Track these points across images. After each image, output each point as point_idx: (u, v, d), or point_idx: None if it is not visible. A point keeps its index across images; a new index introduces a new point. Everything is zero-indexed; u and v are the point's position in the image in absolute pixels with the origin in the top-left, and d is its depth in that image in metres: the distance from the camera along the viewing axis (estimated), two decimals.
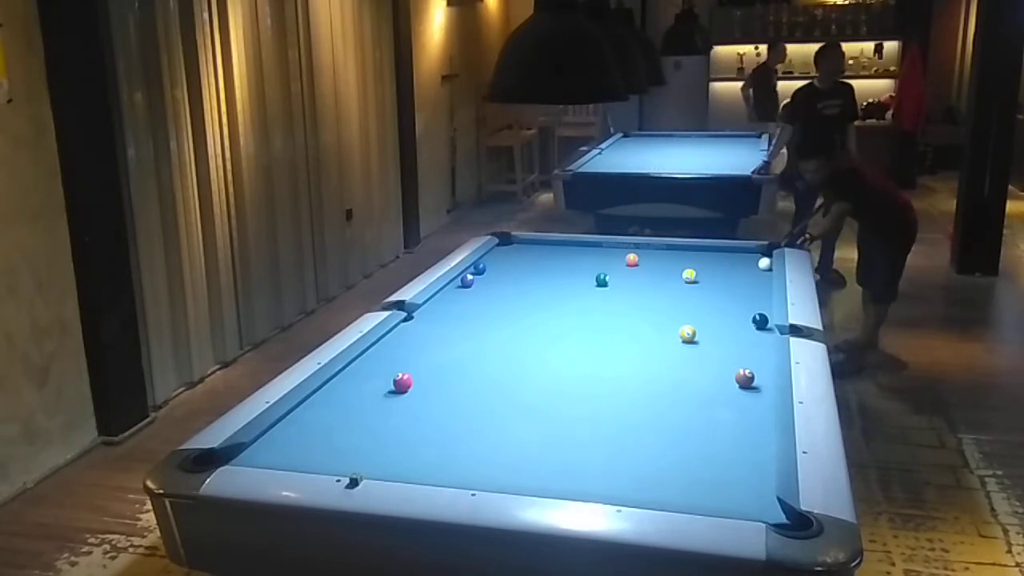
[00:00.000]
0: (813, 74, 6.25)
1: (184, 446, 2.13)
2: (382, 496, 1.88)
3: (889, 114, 9.44)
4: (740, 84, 8.96)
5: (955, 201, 6.65)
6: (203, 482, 1.95)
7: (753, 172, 6.00)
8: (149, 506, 2.22)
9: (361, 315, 3.17)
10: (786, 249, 3.97)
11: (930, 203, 8.29)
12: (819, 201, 4.71)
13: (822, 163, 4.57)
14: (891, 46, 9.59)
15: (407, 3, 6.91)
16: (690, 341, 2.88)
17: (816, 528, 1.70)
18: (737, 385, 2.50)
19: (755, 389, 2.48)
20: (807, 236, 4.51)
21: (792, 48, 9.19)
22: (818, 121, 5.85)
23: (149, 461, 2.19)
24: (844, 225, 4.73)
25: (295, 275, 5.53)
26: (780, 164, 6.30)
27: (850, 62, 9.64)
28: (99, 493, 3.55)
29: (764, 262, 3.82)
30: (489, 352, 2.87)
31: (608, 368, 2.73)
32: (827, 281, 5.94)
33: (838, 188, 4.56)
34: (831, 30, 9.58)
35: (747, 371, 2.51)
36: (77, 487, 3.61)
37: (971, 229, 6.26)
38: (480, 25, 9.01)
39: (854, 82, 10.04)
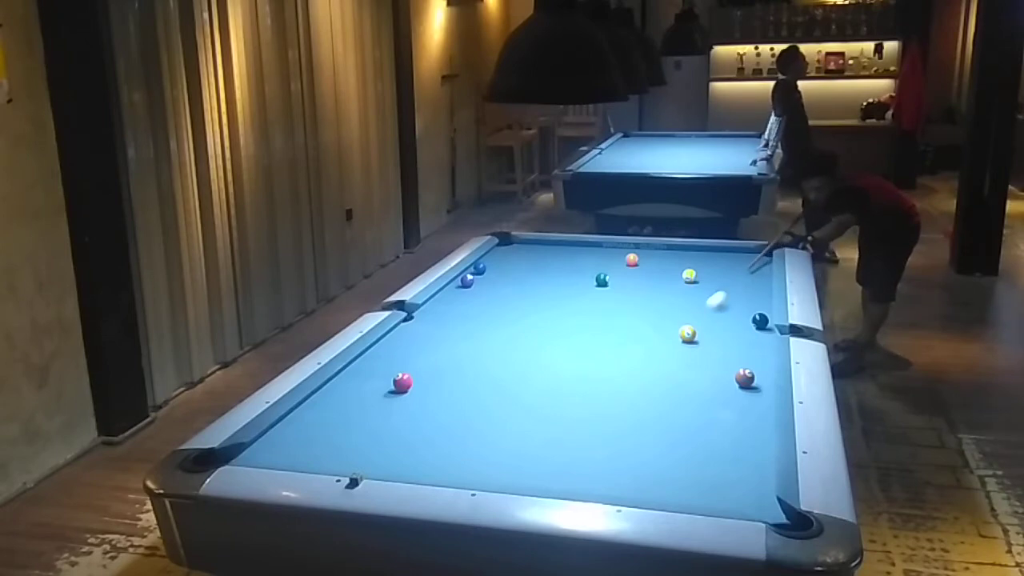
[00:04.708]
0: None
1: (184, 446, 2.13)
2: (382, 496, 1.88)
3: (889, 114, 9.44)
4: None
5: (955, 201, 6.65)
6: (203, 482, 1.95)
7: (753, 161, 6.33)
8: (149, 506, 2.22)
9: (361, 315, 3.17)
10: (786, 249, 3.97)
11: (930, 203, 8.28)
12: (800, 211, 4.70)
13: (826, 181, 4.49)
14: (891, 46, 9.57)
15: (407, 3, 6.91)
16: (690, 341, 2.88)
17: (816, 528, 1.70)
18: (737, 385, 2.50)
19: (755, 389, 2.48)
20: (809, 239, 4.50)
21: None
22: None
23: (149, 461, 2.19)
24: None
25: (295, 275, 5.53)
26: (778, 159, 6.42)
27: (850, 62, 9.67)
28: (99, 493, 3.55)
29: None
30: (489, 352, 2.87)
31: (608, 368, 2.73)
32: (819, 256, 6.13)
33: (843, 205, 4.51)
34: (831, 30, 9.57)
35: (747, 371, 2.51)
36: (77, 487, 3.61)
37: (971, 229, 6.26)
38: (480, 25, 9.01)
39: (854, 82, 10.14)
